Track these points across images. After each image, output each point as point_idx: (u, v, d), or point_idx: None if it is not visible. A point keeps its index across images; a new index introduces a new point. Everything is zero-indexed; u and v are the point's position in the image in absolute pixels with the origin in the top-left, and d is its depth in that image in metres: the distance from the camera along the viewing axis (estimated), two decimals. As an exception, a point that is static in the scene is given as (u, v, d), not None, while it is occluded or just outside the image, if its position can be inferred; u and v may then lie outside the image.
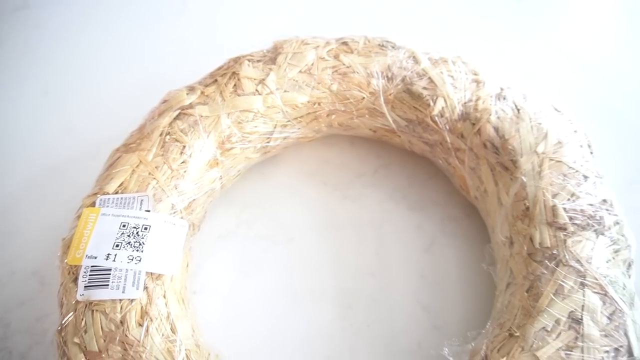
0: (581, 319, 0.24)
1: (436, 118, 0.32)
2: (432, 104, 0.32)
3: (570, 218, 0.27)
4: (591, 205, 0.28)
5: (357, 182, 0.37)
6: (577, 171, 0.29)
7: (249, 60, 0.34)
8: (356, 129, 0.36)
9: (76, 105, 0.43)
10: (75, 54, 0.46)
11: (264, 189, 0.37)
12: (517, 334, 0.25)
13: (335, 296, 0.33)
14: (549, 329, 0.24)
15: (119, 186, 0.29)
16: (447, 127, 0.32)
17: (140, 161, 0.30)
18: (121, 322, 0.25)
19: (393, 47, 0.34)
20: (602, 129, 0.39)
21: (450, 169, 0.34)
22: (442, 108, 0.32)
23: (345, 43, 0.35)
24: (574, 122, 0.31)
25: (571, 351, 0.23)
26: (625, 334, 0.24)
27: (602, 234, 0.27)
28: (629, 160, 0.38)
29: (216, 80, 0.33)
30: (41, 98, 0.43)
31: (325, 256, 0.34)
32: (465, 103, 0.32)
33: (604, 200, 0.28)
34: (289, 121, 0.34)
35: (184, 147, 0.31)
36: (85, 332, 0.25)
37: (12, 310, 0.33)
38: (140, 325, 0.25)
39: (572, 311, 0.24)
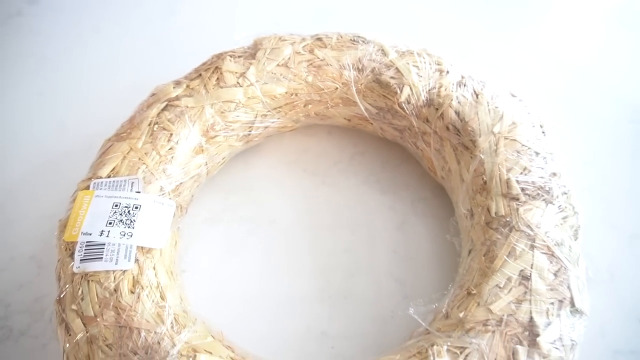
0: (530, 276, 0.27)
1: (403, 105, 0.35)
2: (399, 91, 0.35)
3: (522, 189, 0.30)
4: (542, 177, 0.30)
5: (335, 168, 0.40)
6: (529, 148, 0.32)
7: (230, 56, 0.37)
8: (332, 118, 0.39)
9: (69, 104, 0.45)
10: (68, 56, 0.48)
11: (247, 176, 0.40)
12: (474, 292, 0.27)
13: (315, 272, 0.35)
14: (501, 286, 0.27)
15: (111, 171, 0.32)
16: (414, 112, 0.35)
17: (131, 148, 0.33)
18: (115, 290, 0.27)
19: (363, 42, 0.37)
20: (562, 115, 0.42)
21: (419, 153, 0.37)
22: (408, 95, 0.35)
23: (319, 39, 0.37)
24: (528, 105, 0.34)
25: (520, 304, 0.26)
26: (569, 288, 0.27)
27: (551, 203, 0.30)
28: (585, 143, 0.41)
29: (200, 75, 0.36)
30: (36, 98, 0.45)
31: (304, 236, 0.37)
32: (429, 90, 0.35)
33: (554, 174, 0.31)
34: (268, 111, 0.36)
35: (171, 135, 0.33)
36: (82, 299, 0.27)
37: (11, 292, 0.35)
38: (132, 292, 0.27)
39: (522, 270, 0.27)
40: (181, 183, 0.33)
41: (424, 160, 0.37)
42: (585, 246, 0.34)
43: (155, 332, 0.26)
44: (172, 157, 0.33)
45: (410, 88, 0.35)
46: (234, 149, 0.37)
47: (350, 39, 0.37)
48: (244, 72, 0.36)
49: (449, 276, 0.33)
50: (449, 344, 0.25)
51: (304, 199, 0.38)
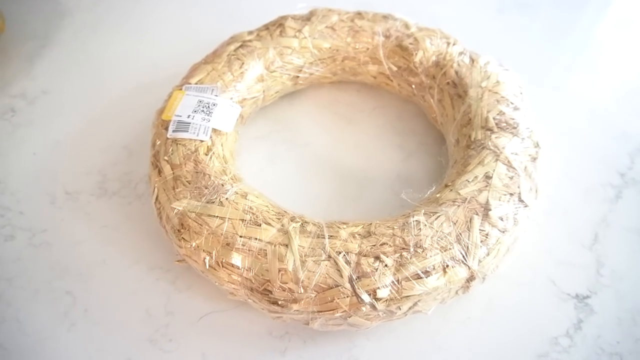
0: (491, 176, 0.37)
1: (417, 64, 0.46)
2: (415, 54, 0.46)
3: (496, 124, 0.40)
4: (512, 118, 0.41)
5: (359, 114, 0.51)
6: (507, 99, 0.42)
7: (292, 17, 0.49)
8: (362, 75, 0.50)
9: (160, 49, 0.58)
10: (158, 19, 0.62)
11: (291, 111, 0.51)
12: (450, 184, 0.37)
13: (335, 181, 0.46)
14: (470, 180, 0.37)
15: (198, 80, 0.44)
16: (424, 71, 0.46)
17: (213, 69, 0.45)
18: (194, 150, 0.39)
19: (393, 19, 0.49)
20: (550, 99, 0.53)
21: (425, 105, 0.48)
22: (422, 57, 0.46)
23: (359, 13, 0.49)
24: (512, 72, 0.45)
25: (481, 192, 0.36)
26: (518, 187, 0.37)
27: (516, 135, 0.40)
28: (561, 118, 0.51)
29: (268, 28, 0.48)
30: (136, 44, 0.59)
31: (330, 156, 0.47)
32: (437, 55, 0.46)
33: (523, 117, 0.41)
34: (315, 60, 0.48)
35: (243, 63, 0.45)
36: (172, 154, 0.38)
37: (108, 166, 0.47)
38: (206, 154, 0.39)
39: (486, 172, 0.37)
40: (244, 99, 0.45)
41: (429, 111, 0.48)
42: (548, 190, 0.44)
43: (220, 179, 0.37)
44: (242, 79, 0.45)
45: (424, 52, 0.46)
46: (284, 87, 0.49)
47: (383, 16, 0.49)
48: (301, 29, 0.48)
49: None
50: (425, 209, 0.35)
51: (332, 131, 0.49)
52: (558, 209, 0.44)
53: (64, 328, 0.37)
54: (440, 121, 0.46)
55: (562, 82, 0.56)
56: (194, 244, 0.34)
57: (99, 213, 0.43)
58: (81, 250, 0.41)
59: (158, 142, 0.40)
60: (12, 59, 0.57)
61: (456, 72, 0.44)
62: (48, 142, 0.49)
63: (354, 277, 0.32)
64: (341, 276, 0.32)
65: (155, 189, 0.38)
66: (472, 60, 0.45)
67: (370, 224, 0.35)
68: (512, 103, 0.42)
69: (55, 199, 0.44)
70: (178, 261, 0.37)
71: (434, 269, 0.32)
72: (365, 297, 0.31)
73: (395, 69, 0.48)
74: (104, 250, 0.41)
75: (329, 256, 0.32)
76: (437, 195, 0.37)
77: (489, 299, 0.39)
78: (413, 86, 0.48)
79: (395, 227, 0.34)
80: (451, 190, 0.37)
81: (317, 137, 0.49)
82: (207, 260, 0.34)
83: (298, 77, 0.49)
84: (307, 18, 0.49)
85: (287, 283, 0.32)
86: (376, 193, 0.45)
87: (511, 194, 0.36)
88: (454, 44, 0.46)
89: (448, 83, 0.45)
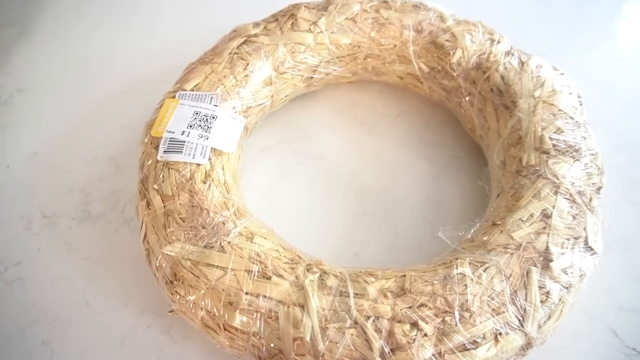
0: (551, 215, 0.30)
1: (454, 66, 0.39)
2: (452, 53, 0.39)
3: (554, 145, 0.33)
4: (573, 138, 0.34)
5: (382, 121, 0.44)
6: (565, 113, 0.35)
7: (305, 6, 0.41)
8: (387, 75, 0.43)
9: (153, 38, 0.51)
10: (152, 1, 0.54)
11: (303, 117, 0.44)
12: (499, 222, 0.31)
13: (354, 203, 0.39)
14: (524, 219, 0.30)
15: (194, 86, 0.37)
16: (462, 74, 0.39)
17: (212, 71, 0.37)
18: (190, 178, 0.32)
19: (425, 9, 0.41)
20: (602, 102, 0.45)
21: (462, 112, 0.41)
22: (460, 57, 0.38)
23: (385, 2, 0.42)
24: (569, 79, 0.38)
25: (539, 235, 0.30)
26: (585, 229, 0.30)
27: (578, 160, 0.33)
28: (618, 129, 0.44)
29: (277, 19, 0.41)
30: (126, 31, 0.51)
31: (348, 172, 0.41)
32: (479, 55, 0.38)
33: (584, 137, 0.34)
34: (332, 59, 0.41)
35: (247, 64, 0.38)
36: (162, 182, 0.32)
37: (92, 184, 0.40)
38: (204, 182, 0.32)
39: (544, 209, 0.31)
40: (250, 107, 0.38)
41: (465, 120, 0.41)
42: (606, 217, 0.38)
43: (221, 215, 0.31)
44: (246, 84, 0.38)
45: (463, 51, 0.39)
46: (296, 89, 0.42)
47: (413, 5, 0.41)
48: (316, 21, 0.40)
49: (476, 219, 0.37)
50: (471, 258, 0.29)
51: (351, 142, 0.43)
52: (617, 242, 0.38)
53: (39, 388, 0.32)
54: (480, 133, 0.39)
55: (616, 80, 0.48)
56: (189, 299, 0.28)
57: (81, 242, 0.37)
58: (60, 288, 0.35)
59: (148, 163, 0.33)
60: (-16, 49, 0.50)
61: (502, 77, 0.37)
62: (24, 153, 0.42)
63: (387, 349, 0.26)
64: (371, 349, 0.26)
65: (144, 225, 0.31)
66: (522, 63, 0.38)
67: (404, 275, 0.29)
68: (571, 118, 0.35)
69: (31, 223, 0.38)
70: (171, 312, 0.31)
71: (484, 338, 0.26)
72: (400, 375, 0.26)
73: (427, 70, 0.41)
74: (87, 289, 0.35)
75: (356, 322, 0.26)
76: (484, 238, 0.30)
77: (538, 353, 0.33)
78: (447, 91, 0.41)
79: (435, 282, 0.28)
80: (501, 231, 0.30)
81: (333, 148, 0.42)
82: (205, 321, 0.28)
83: (312, 77, 0.41)
84: (324, 7, 0.41)
85: (304, 355, 0.26)
86: (403, 218, 0.38)
87: (576, 239, 0.30)
88: (498, 42, 0.39)
89: (492, 90, 0.37)
